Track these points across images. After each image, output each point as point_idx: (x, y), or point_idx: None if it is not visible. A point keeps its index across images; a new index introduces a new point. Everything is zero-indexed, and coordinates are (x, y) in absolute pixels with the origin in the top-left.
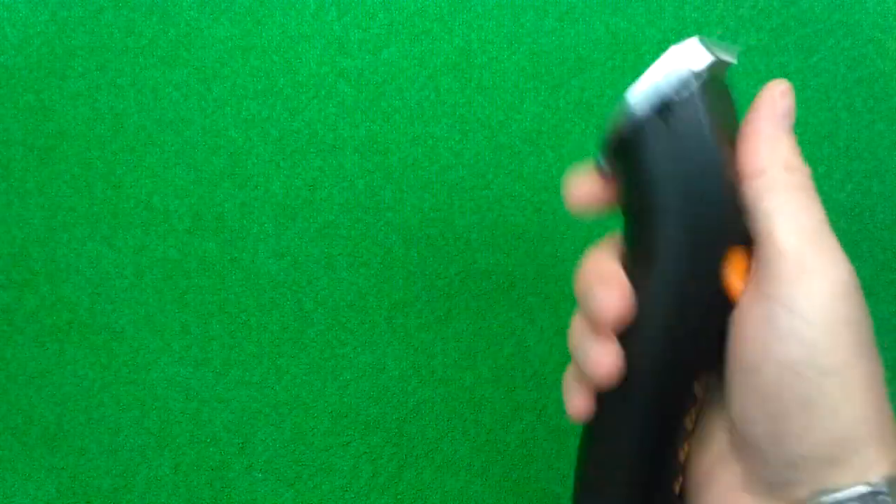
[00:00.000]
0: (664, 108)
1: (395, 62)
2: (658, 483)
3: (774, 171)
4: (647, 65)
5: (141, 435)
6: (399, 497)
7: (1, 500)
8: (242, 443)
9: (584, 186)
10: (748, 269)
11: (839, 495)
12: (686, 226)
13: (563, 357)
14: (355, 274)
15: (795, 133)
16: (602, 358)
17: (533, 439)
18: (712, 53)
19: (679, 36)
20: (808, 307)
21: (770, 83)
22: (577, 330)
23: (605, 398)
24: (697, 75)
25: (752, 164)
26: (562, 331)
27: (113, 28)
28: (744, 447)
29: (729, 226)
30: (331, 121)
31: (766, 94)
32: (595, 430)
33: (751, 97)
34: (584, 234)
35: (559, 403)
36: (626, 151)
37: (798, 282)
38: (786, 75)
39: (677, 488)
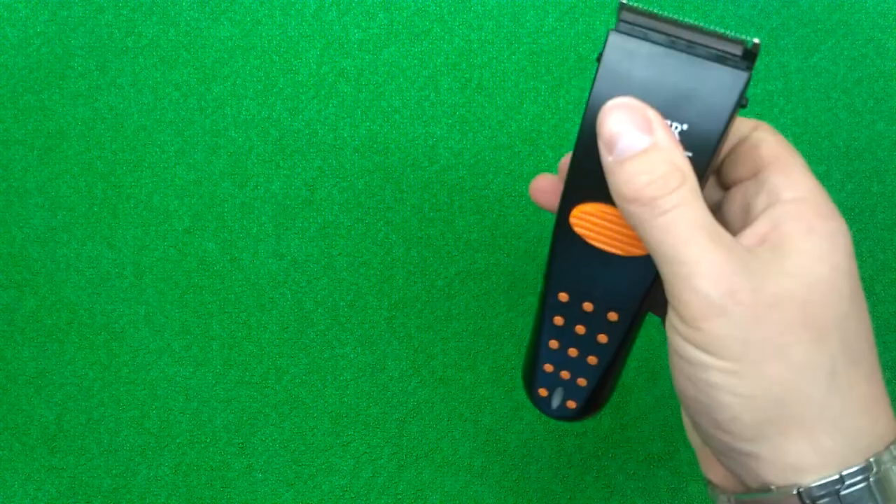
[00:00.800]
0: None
1: (395, 62)
2: (535, 356)
3: (633, 208)
4: None
5: (141, 435)
6: (399, 497)
7: (1, 500)
8: (242, 443)
9: (544, 182)
10: (603, 226)
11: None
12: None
13: None
14: (355, 274)
15: (796, 132)
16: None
17: (533, 439)
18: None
19: None
20: (687, 332)
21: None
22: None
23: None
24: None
25: (619, 193)
26: None
27: (113, 28)
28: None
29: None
30: (331, 121)
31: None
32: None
33: (751, 97)
34: None
35: None
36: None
37: (677, 315)
38: (786, 75)
39: (549, 369)
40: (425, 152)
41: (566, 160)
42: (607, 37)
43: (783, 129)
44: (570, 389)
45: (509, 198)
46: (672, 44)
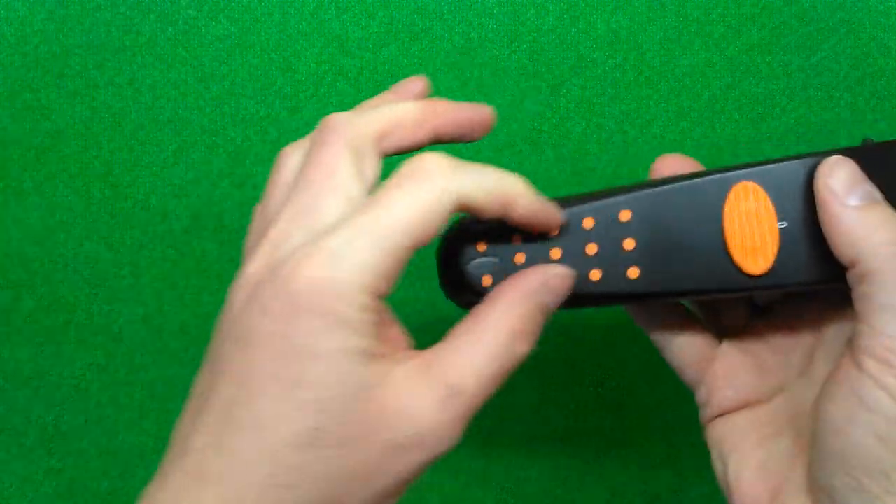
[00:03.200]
0: None
1: (395, 60)
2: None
3: (886, 250)
4: (648, 63)
5: (139, 436)
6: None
7: None
8: None
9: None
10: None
11: None
12: None
13: (564, 357)
14: None
15: (799, 132)
16: None
17: (533, 441)
18: None
19: (681, 34)
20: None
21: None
22: None
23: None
24: None
25: (861, 237)
26: (563, 330)
27: (111, 26)
28: (820, 492)
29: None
30: None
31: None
32: None
33: (752, 96)
34: None
35: (560, 404)
36: None
37: (889, 364)
38: (787, 74)
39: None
40: (425, 151)
41: (659, 169)
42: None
43: (785, 129)
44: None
45: None
46: None
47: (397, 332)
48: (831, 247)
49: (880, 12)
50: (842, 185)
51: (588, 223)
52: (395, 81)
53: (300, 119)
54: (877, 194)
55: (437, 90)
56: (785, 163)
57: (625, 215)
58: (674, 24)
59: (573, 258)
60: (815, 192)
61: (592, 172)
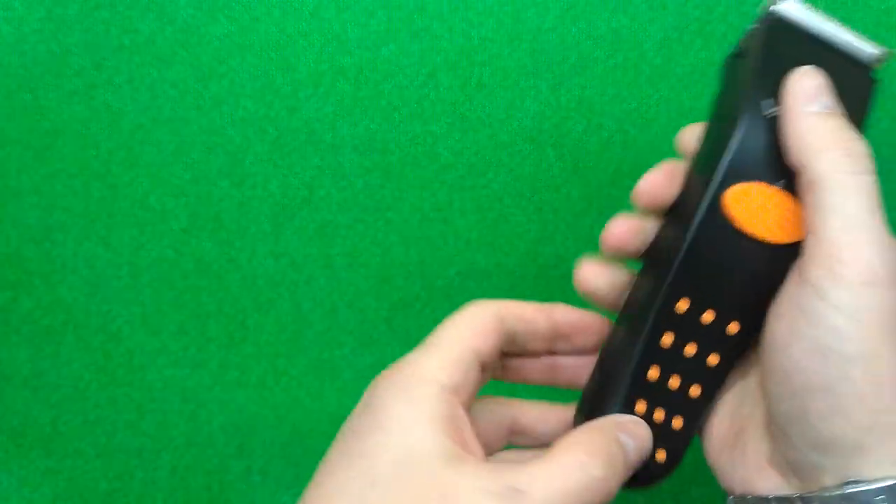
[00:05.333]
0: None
1: (395, 60)
2: (616, 391)
3: (833, 155)
4: (649, 62)
5: (137, 437)
6: None
7: None
8: (240, 445)
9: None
10: (762, 208)
11: (865, 487)
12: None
13: None
14: (354, 274)
15: None
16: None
17: None
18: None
19: (681, 33)
20: (836, 295)
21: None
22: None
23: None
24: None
25: (812, 143)
26: None
27: (109, 25)
28: (772, 424)
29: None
30: (329, 119)
31: (794, 80)
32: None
33: None
34: (584, 234)
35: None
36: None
37: (830, 269)
38: None
39: (642, 408)
40: (425, 151)
41: (687, 140)
42: (767, 13)
43: None
44: (663, 434)
45: (510, 197)
46: (826, 39)
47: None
48: (785, 153)
49: (881, 11)
50: (805, 93)
51: (667, 339)
52: (395, 81)
53: (299, 118)
54: (838, 108)
55: (437, 90)
56: (737, 143)
57: (684, 304)
58: (674, 24)
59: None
60: (782, 97)
61: (592, 172)
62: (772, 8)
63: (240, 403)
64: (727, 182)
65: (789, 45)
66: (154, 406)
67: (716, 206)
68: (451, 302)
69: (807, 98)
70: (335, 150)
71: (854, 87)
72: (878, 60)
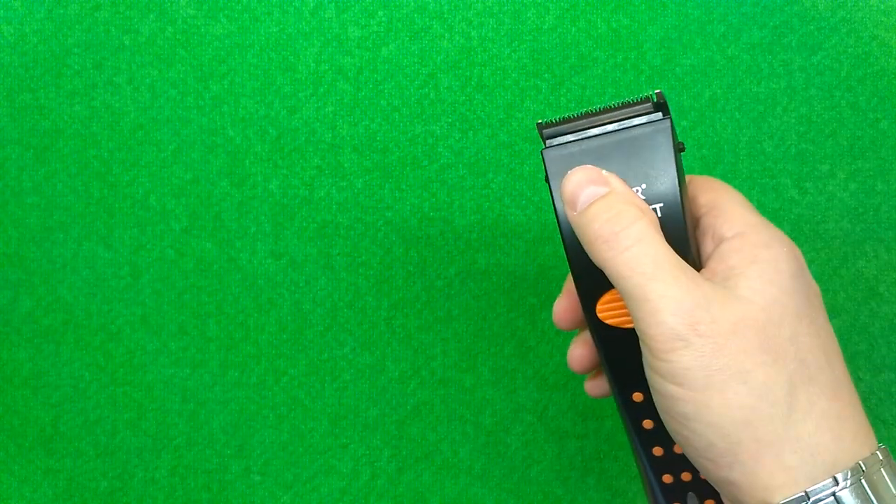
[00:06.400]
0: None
1: (395, 60)
2: (648, 470)
3: (598, 246)
4: (648, 62)
5: (138, 437)
6: (398, 499)
7: None
8: (240, 445)
9: (561, 306)
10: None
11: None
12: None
13: (565, 358)
14: (354, 274)
15: (800, 131)
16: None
17: (534, 441)
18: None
19: (681, 33)
20: (660, 368)
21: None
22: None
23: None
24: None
25: (585, 244)
26: (563, 332)
27: (109, 25)
28: None
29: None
30: (329, 119)
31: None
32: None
33: (754, 95)
34: None
35: (560, 405)
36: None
37: (650, 353)
38: (789, 73)
39: (667, 479)
40: (425, 151)
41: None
42: (543, 157)
43: (786, 128)
44: (701, 488)
45: (509, 197)
46: (596, 132)
47: None
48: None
49: (881, 11)
50: (568, 202)
51: (648, 424)
52: (395, 80)
53: (300, 118)
54: (599, 189)
55: (437, 90)
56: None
57: (638, 396)
58: (674, 24)
59: None
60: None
61: None
62: (538, 123)
63: (240, 403)
64: (590, 301)
65: (567, 160)
66: (154, 406)
67: (596, 321)
68: (451, 302)
69: (570, 206)
70: (335, 150)
71: (649, 135)
72: (651, 100)
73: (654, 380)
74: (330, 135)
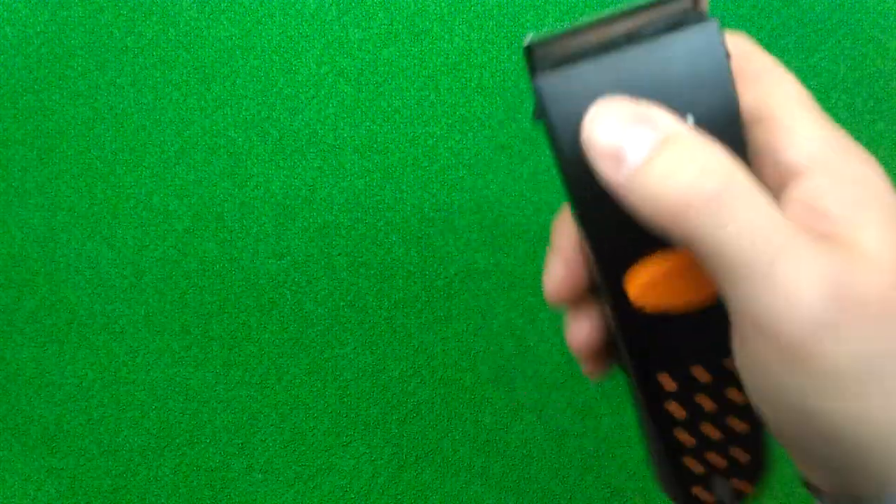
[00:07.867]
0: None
1: (395, 62)
2: (669, 464)
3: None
4: None
5: (141, 435)
6: (399, 497)
7: (1, 500)
8: (242, 443)
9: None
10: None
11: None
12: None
13: (564, 357)
14: (355, 274)
15: None
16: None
17: (533, 440)
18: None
19: None
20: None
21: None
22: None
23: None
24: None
25: (658, 208)
26: (562, 331)
27: (113, 28)
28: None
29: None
30: (330, 121)
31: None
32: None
33: None
34: None
35: (560, 404)
36: None
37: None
38: None
39: (691, 464)
40: (425, 152)
41: (560, 226)
42: (534, 88)
43: None
44: (733, 470)
45: (509, 197)
46: (612, 45)
47: None
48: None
49: (879, 14)
50: (604, 150)
51: (673, 408)
52: (396, 82)
53: (301, 120)
54: (647, 133)
55: (437, 91)
56: None
57: (666, 378)
58: None
59: None
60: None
61: None
62: (527, 42)
63: (242, 402)
64: (615, 272)
65: (580, 93)
66: (157, 405)
67: (624, 303)
68: (451, 302)
69: (611, 162)
70: (336, 151)
71: (693, 56)
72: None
73: (784, 396)
74: (331, 136)
